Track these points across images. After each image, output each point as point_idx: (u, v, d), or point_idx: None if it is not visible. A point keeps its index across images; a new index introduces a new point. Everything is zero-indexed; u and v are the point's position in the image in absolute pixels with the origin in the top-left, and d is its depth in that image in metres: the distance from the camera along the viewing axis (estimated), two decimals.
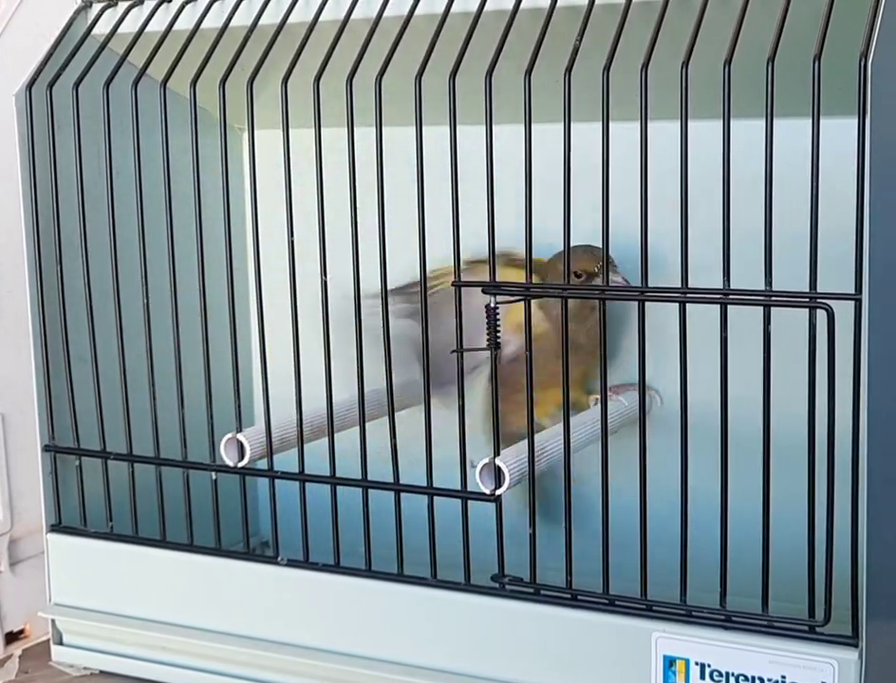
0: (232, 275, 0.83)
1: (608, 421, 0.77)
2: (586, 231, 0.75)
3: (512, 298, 0.74)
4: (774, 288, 0.66)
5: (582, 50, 0.71)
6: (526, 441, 0.75)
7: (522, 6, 0.74)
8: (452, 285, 0.75)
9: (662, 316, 0.83)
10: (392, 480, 0.80)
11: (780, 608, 0.69)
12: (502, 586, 0.76)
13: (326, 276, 0.79)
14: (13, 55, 0.92)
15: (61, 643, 0.92)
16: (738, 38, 0.66)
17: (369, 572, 0.81)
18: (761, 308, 0.67)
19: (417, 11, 0.78)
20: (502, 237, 0.74)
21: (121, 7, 0.89)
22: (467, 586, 0.77)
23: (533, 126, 0.71)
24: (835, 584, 0.67)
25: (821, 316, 0.65)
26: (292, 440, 0.84)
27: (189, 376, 0.85)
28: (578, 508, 0.74)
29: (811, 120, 0.64)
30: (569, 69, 0.70)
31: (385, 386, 0.79)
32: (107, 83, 0.84)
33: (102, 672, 0.90)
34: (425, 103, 0.73)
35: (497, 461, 0.75)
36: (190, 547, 0.86)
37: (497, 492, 0.75)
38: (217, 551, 0.86)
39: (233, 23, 0.84)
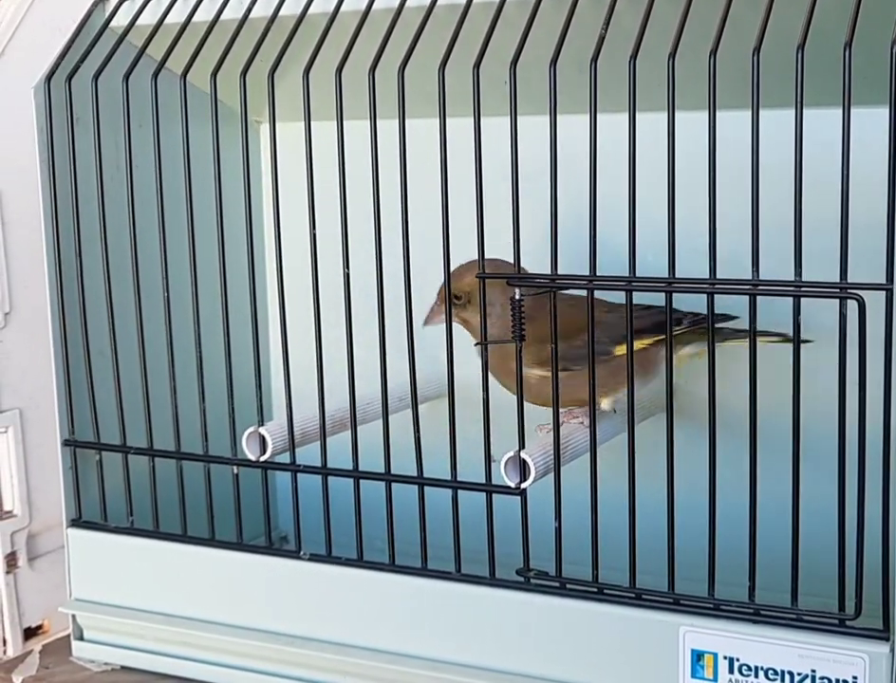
0: (253, 268, 0.82)
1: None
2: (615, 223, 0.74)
3: (537, 290, 0.73)
4: (804, 279, 0.66)
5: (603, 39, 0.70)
6: (551, 435, 0.75)
7: None
8: (476, 277, 0.74)
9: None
10: (416, 473, 0.79)
11: (810, 602, 0.69)
12: (527, 580, 0.76)
13: (348, 268, 0.79)
14: (31, 48, 0.92)
15: (81, 639, 0.91)
16: (767, 26, 0.66)
17: (393, 566, 0.80)
18: (791, 299, 0.66)
19: (439, 1, 0.77)
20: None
21: None
22: (492, 581, 0.77)
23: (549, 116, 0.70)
24: (866, 578, 0.67)
25: (852, 306, 0.64)
26: (314, 434, 0.84)
27: (210, 369, 0.85)
28: (604, 502, 0.74)
29: (841, 110, 0.63)
30: (594, 59, 0.69)
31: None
32: (127, 76, 0.83)
33: (123, 667, 0.89)
34: (449, 95, 0.73)
35: (523, 454, 0.74)
36: (211, 542, 0.86)
37: (523, 486, 0.75)
38: (239, 546, 0.85)
39: (252, 14, 0.84)
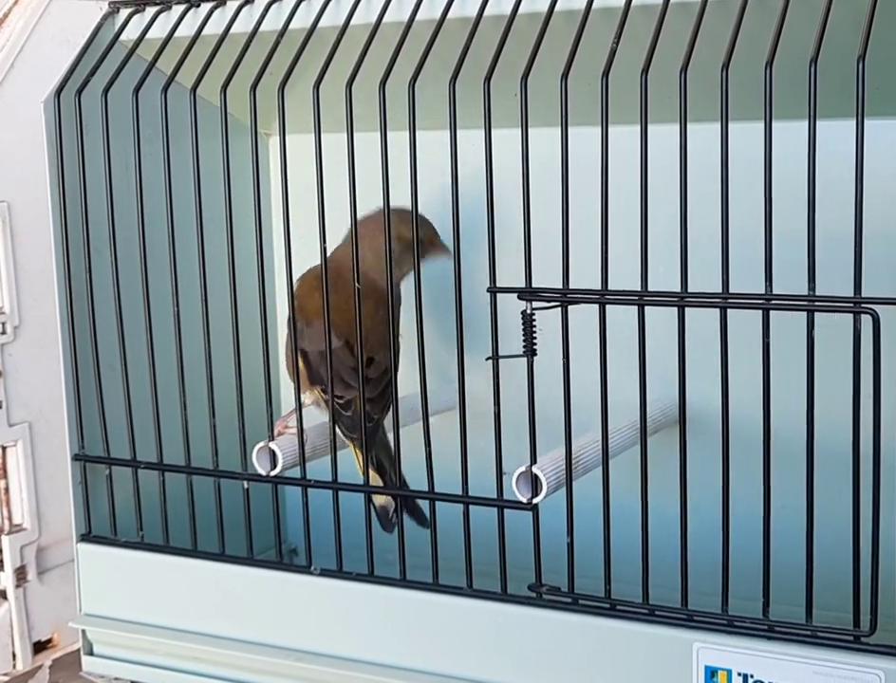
0: (263, 281, 0.82)
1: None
2: (627, 236, 0.74)
3: (548, 304, 0.73)
4: (817, 293, 0.65)
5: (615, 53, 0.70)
6: (563, 449, 0.74)
7: (554, 8, 0.74)
8: (487, 291, 0.74)
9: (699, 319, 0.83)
10: (427, 488, 0.79)
11: (824, 617, 0.68)
12: (539, 596, 0.75)
13: (358, 283, 0.79)
14: (40, 62, 0.92)
15: (91, 654, 0.91)
16: (780, 39, 0.65)
17: (404, 582, 0.80)
18: (804, 313, 0.66)
19: (448, 15, 0.77)
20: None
21: (149, 12, 0.89)
22: (504, 596, 0.76)
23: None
24: (881, 593, 0.66)
25: (866, 321, 0.64)
26: (325, 448, 0.84)
27: (220, 384, 0.85)
28: (616, 516, 0.73)
29: (854, 121, 0.63)
30: (605, 73, 0.69)
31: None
32: (136, 90, 0.83)
33: (132, 682, 0.89)
34: (460, 107, 0.72)
35: (534, 469, 0.74)
36: (221, 557, 0.86)
37: (534, 501, 0.75)
38: (250, 561, 0.85)
39: (261, 27, 0.84)
